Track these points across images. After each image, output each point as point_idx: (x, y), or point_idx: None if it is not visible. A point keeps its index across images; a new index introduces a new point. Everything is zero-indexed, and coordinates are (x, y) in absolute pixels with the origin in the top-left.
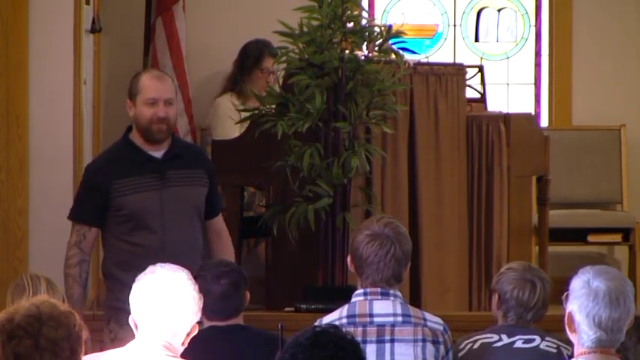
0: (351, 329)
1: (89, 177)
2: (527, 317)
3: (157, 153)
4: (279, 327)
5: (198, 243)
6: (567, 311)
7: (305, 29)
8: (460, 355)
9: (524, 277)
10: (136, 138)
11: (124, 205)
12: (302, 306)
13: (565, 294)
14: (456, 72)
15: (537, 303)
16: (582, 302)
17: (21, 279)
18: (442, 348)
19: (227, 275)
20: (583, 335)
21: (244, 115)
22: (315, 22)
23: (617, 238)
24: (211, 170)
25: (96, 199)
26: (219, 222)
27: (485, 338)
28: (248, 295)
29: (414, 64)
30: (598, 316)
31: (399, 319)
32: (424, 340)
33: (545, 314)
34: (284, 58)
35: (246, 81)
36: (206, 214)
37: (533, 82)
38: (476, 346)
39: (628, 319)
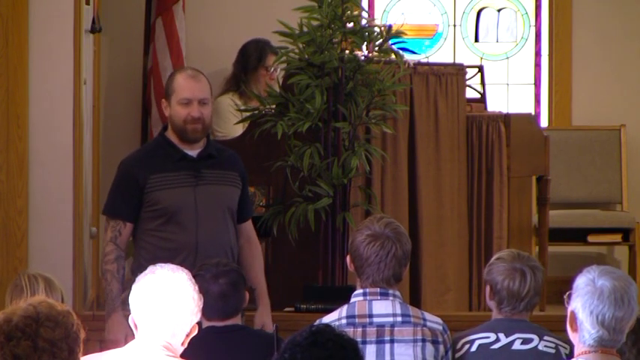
0: (350, 330)
1: (125, 171)
2: (520, 307)
3: (192, 152)
4: (274, 327)
5: (230, 242)
6: (570, 310)
7: (305, 29)
8: (458, 355)
9: (513, 267)
10: (171, 136)
11: (159, 200)
12: (302, 306)
13: (567, 293)
14: (456, 72)
15: (529, 292)
16: (586, 300)
17: (19, 279)
18: (442, 348)
19: (226, 275)
20: (585, 334)
21: (245, 114)
22: (315, 22)
23: (617, 238)
24: (244, 174)
25: (131, 194)
26: (249, 227)
27: (482, 338)
28: (247, 295)
29: (414, 64)
30: (602, 314)
31: (399, 319)
32: (424, 340)
33: (538, 302)
34: (284, 58)
35: (250, 80)
36: (237, 218)
37: (533, 82)
38: (473, 348)
39: (631, 320)
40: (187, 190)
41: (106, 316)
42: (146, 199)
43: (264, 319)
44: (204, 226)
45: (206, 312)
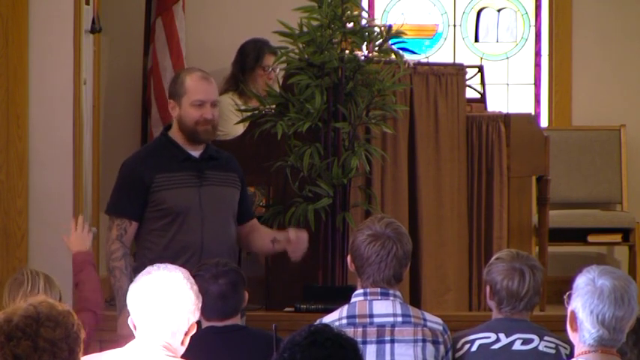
0: (350, 330)
1: (130, 170)
2: (519, 307)
3: (195, 152)
4: (273, 327)
5: (233, 243)
6: (570, 310)
7: (305, 29)
8: (458, 355)
9: (512, 267)
10: (176, 136)
11: (164, 200)
12: (302, 306)
13: (567, 294)
14: (456, 72)
15: (528, 292)
16: (586, 300)
17: (20, 273)
18: (442, 348)
19: (225, 275)
20: (585, 333)
21: (245, 114)
22: (315, 22)
23: (617, 238)
24: (242, 176)
25: (137, 193)
26: (254, 221)
27: (482, 338)
28: (247, 295)
29: (414, 64)
30: (602, 313)
31: (399, 319)
32: (424, 341)
33: (538, 302)
34: (284, 58)
35: (248, 80)
36: (239, 219)
37: (533, 82)
38: (474, 348)
39: (631, 319)
40: (192, 191)
41: (118, 312)
42: (151, 198)
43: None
44: (208, 226)
45: (205, 312)
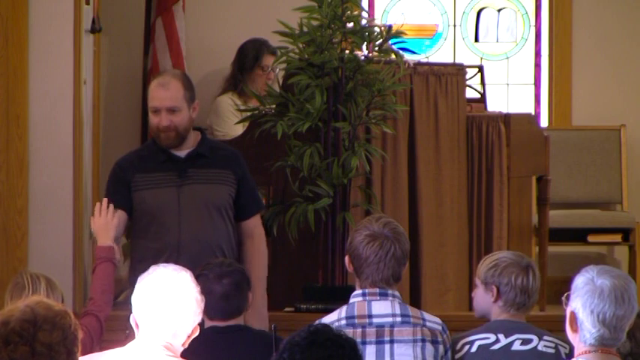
0: (350, 330)
1: (115, 169)
2: (529, 304)
3: (181, 152)
4: (273, 328)
5: (219, 242)
6: (569, 310)
7: (305, 29)
8: (458, 356)
9: (520, 264)
10: None
11: (143, 200)
12: (302, 306)
13: (565, 295)
14: (456, 72)
15: (538, 287)
16: (587, 299)
17: (20, 277)
18: (441, 348)
19: (229, 275)
20: (585, 333)
21: (245, 114)
22: (315, 22)
23: (617, 238)
24: (243, 173)
25: (122, 188)
26: (251, 224)
27: (482, 339)
28: (251, 295)
29: (414, 64)
30: (602, 312)
31: (398, 319)
32: (423, 340)
33: (536, 301)
34: (284, 58)
35: (247, 80)
36: (237, 216)
37: (533, 82)
38: (473, 349)
39: (631, 318)
40: (170, 190)
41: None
42: (133, 198)
43: (250, 322)
44: (187, 225)
45: (208, 312)
